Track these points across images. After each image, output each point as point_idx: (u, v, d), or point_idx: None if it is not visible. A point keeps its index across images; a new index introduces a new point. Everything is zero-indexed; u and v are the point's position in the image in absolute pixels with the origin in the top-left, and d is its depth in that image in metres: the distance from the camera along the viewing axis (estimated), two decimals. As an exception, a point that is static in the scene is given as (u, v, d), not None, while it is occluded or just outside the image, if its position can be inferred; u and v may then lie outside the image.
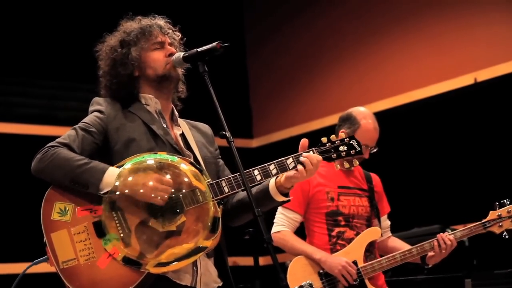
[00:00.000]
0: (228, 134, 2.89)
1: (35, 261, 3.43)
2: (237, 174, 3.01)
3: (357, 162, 3.21)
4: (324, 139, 3.11)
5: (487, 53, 6.37)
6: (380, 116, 4.71)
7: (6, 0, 6.96)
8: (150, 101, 3.19)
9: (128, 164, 2.97)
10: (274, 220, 4.42)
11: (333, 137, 3.13)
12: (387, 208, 4.59)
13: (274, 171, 3.03)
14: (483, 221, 4.24)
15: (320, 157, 3.04)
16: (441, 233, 4.25)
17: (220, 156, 3.32)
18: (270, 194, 3.07)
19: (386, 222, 4.58)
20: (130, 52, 3.16)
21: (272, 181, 3.07)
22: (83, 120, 3.10)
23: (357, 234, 4.33)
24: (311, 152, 3.05)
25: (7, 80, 6.94)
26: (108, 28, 3.31)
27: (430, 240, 4.25)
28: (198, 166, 3.06)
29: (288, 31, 8.10)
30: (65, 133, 3.07)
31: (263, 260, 4.92)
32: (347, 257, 4.22)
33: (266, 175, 3.03)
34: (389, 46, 7.14)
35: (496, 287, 5.11)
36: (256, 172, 3.03)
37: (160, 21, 3.26)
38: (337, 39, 7.60)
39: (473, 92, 6.39)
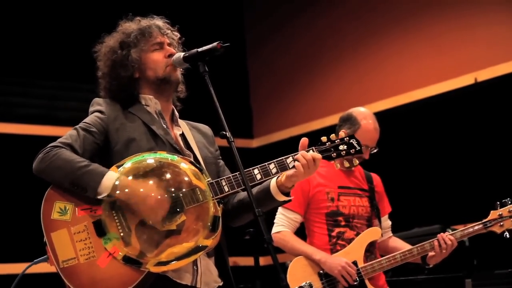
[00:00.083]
0: (228, 134, 2.89)
1: (35, 260, 3.43)
2: (237, 173, 3.01)
3: (357, 162, 3.21)
4: (324, 138, 3.11)
5: (487, 53, 6.37)
6: (380, 116, 4.70)
7: (6, 0, 6.96)
8: (150, 101, 3.19)
9: (128, 163, 2.97)
10: (274, 221, 4.42)
11: (333, 136, 3.13)
12: (388, 208, 4.59)
13: (274, 170, 3.03)
14: (484, 220, 4.24)
15: (319, 156, 3.04)
16: (441, 233, 4.25)
17: (220, 157, 3.32)
18: (271, 193, 3.07)
19: (387, 222, 4.57)
20: (130, 54, 3.16)
21: (273, 181, 3.07)
22: (83, 121, 3.10)
23: (357, 234, 4.33)
24: (310, 151, 3.05)
25: (7, 80, 6.94)
26: (108, 28, 3.31)
27: (430, 240, 4.25)
28: (198, 165, 3.06)
29: (288, 31, 8.10)
30: (66, 133, 3.07)
31: (263, 260, 4.92)
32: (347, 258, 4.22)
33: (266, 174, 3.03)
34: (389, 46, 7.14)
35: (496, 287, 5.10)
36: (256, 171, 3.03)
37: (159, 22, 3.26)
38: (337, 39, 7.60)
39: (473, 92, 6.39)
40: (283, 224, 4.38)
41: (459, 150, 6.45)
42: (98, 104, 3.15)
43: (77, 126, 3.08)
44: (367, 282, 4.23)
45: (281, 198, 3.08)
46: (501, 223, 4.22)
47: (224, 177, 3.05)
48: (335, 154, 3.10)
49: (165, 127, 3.16)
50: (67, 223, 2.94)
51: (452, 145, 6.52)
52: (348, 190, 4.41)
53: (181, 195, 2.93)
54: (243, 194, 3.15)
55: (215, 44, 3.03)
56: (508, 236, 4.21)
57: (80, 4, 7.33)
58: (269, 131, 8.17)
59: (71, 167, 2.93)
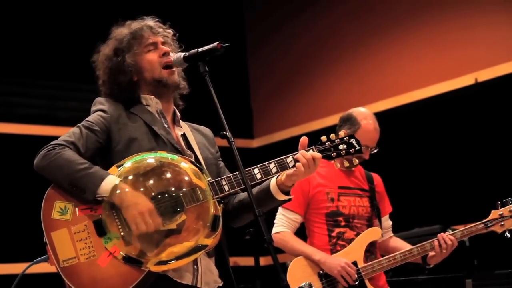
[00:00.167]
0: (228, 134, 2.89)
1: (35, 260, 3.43)
2: (237, 172, 3.01)
3: (357, 161, 3.22)
4: (323, 138, 3.12)
5: (487, 53, 6.37)
6: (380, 116, 4.70)
7: (6, 0, 6.96)
8: (151, 101, 3.20)
9: (129, 163, 2.98)
10: (275, 221, 4.42)
11: (332, 136, 3.14)
12: (389, 208, 4.59)
13: (274, 170, 3.04)
14: (484, 220, 4.23)
15: (319, 155, 3.05)
16: (441, 233, 4.25)
17: (221, 159, 3.33)
18: (272, 193, 3.07)
19: (387, 222, 4.57)
20: (125, 59, 3.17)
21: (273, 180, 3.07)
22: (86, 119, 3.11)
23: (358, 234, 4.33)
24: (310, 150, 3.05)
25: (7, 80, 6.94)
26: (108, 28, 3.31)
27: (430, 240, 4.24)
28: (198, 165, 3.06)
29: (288, 31, 8.10)
30: (68, 131, 3.07)
31: (263, 260, 4.91)
32: (347, 258, 4.22)
33: (266, 173, 3.03)
34: (390, 46, 7.14)
35: (497, 287, 5.10)
36: (256, 170, 3.03)
37: (150, 22, 3.26)
38: (337, 39, 7.60)
39: (473, 92, 6.39)
40: (283, 224, 4.38)
41: (459, 150, 6.45)
42: (101, 104, 3.16)
43: (80, 124, 3.08)
44: (367, 282, 4.23)
45: (281, 197, 3.08)
46: (502, 223, 4.21)
47: (224, 176, 3.06)
48: (335, 153, 3.11)
49: (167, 127, 3.17)
50: (68, 222, 2.94)
51: (452, 145, 6.52)
52: (348, 190, 4.40)
53: (181, 194, 2.94)
54: (243, 195, 3.16)
55: (215, 44, 3.03)
56: (509, 236, 4.21)
57: (80, 4, 7.32)
58: (269, 131, 8.17)
59: (72, 167, 2.93)
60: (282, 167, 3.03)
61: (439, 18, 6.76)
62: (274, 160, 3.04)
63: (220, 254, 3.13)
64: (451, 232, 4.26)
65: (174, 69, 3.18)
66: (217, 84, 3.07)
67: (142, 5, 6.85)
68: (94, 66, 3.27)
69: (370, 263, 4.26)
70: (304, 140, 3.07)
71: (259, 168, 3.03)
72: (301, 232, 4.42)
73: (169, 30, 3.30)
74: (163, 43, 3.23)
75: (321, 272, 4.23)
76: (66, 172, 2.93)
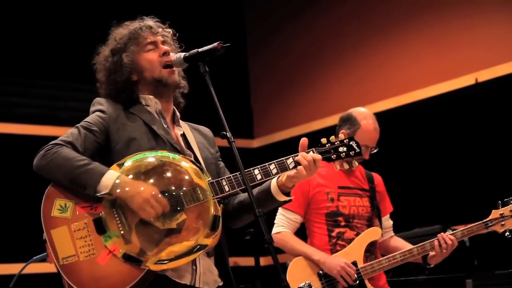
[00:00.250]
0: (229, 134, 2.89)
1: (34, 257, 3.43)
2: (237, 173, 3.01)
3: (357, 164, 3.22)
4: (323, 140, 3.13)
5: (487, 53, 6.37)
6: (381, 116, 4.70)
7: (7, 1, 6.95)
8: (150, 101, 3.20)
9: (129, 162, 2.98)
10: (275, 221, 4.42)
11: (332, 138, 3.15)
12: (390, 208, 4.59)
13: (274, 171, 3.04)
14: (485, 220, 4.23)
15: (319, 156, 3.05)
16: (441, 233, 4.24)
17: (220, 159, 3.33)
18: (272, 193, 3.07)
19: (388, 221, 4.57)
20: (122, 59, 3.17)
21: (273, 181, 3.08)
22: (85, 119, 3.11)
23: (358, 234, 4.33)
24: (310, 152, 3.06)
25: (7, 81, 6.94)
26: (108, 29, 3.32)
27: (431, 240, 4.24)
28: (198, 164, 3.06)
29: (289, 31, 8.10)
30: (67, 132, 3.08)
31: (264, 261, 4.92)
32: (347, 258, 4.22)
33: (267, 174, 3.03)
34: (390, 46, 7.14)
35: (497, 287, 5.10)
36: (256, 171, 3.03)
37: (149, 22, 3.27)
38: (337, 39, 7.60)
39: (474, 92, 6.39)
40: (283, 224, 4.38)
41: (459, 150, 6.45)
42: (100, 104, 3.16)
43: (78, 125, 3.09)
44: (366, 282, 4.23)
45: (282, 198, 3.09)
46: (503, 223, 4.21)
47: (225, 177, 3.06)
48: (335, 155, 3.12)
49: (166, 127, 3.17)
50: (67, 220, 2.94)
51: (452, 146, 6.52)
52: (348, 190, 4.40)
53: (181, 193, 2.94)
54: (243, 195, 3.17)
55: (215, 44, 3.03)
56: (509, 235, 4.20)
57: (80, 4, 7.32)
58: (269, 131, 8.17)
59: (71, 165, 2.94)
60: (282, 168, 3.04)
61: (440, 18, 6.76)
62: (275, 161, 3.05)
63: (219, 253, 3.13)
64: (451, 232, 4.26)
65: (174, 68, 3.18)
66: (218, 84, 3.07)
67: (142, 5, 6.85)
68: (94, 69, 3.28)
69: (370, 263, 4.26)
70: (304, 141, 3.07)
71: (260, 169, 3.04)
72: (302, 232, 4.42)
73: (168, 30, 3.30)
74: (163, 43, 3.23)
75: (320, 272, 4.23)
76: (65, 170, 2.93)
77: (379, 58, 7.22)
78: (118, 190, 2.91)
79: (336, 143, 3.13)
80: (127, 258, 2.89)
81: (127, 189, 2.91)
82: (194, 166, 3.03)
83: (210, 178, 3.04)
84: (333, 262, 4.19)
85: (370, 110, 4.58)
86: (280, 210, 4.39)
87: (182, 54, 3.12)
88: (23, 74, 7.02)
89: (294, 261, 4.28)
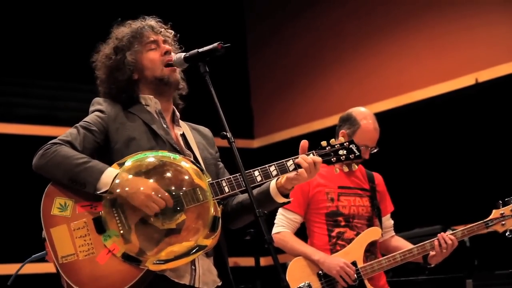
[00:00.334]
0: (229, 134, 2.89)
1: (33, 256, 3.43)
2: (237, 174, 3.02)
3: (356, 166, 3.22)
4: (323, 143, 3.13)
5: (488, 53, 6.37)
6: (381, 116, 4.70)
7: (7, 1, 6.96)
8: (150, 101, 3.20)
9: (129, 162, 2.98)
10: (275, 221, 4.42)
11: (332, 141, 3.15)
12: (390, 208, 4.58)
13: (274, 173, 3.04)
14: (485, 219, 4.22)
15: (320, 159, 3.06)
16: (442, 233, 4.24)
17: (220, 159, 3.33)
18: (271, 195, 3.08)
19: (389, 221, 4.57)
20: (126, 57, 3.17)
21: (273, 182, 3.08)
22: (84, 119, 3.11)
23: (358, 234, 4.33)
24: (311, 154, 3.06)
25: (7, 81, 6.94)
26: (108, 28, 3.32)
27: (431, 240, 4.24)
28: (198, 165, 3.07)
29: (289, 31, 8.10)
30: (66, 131, 3.08)
31: (264, 261, 4.91)
32: (347, 258, 4.22)
33: (267, 176, 3.04)
34: (390, 47, 7.14)
35: (497, 287, 5.10)
36: (256, 173, 3.04)
37: (151, 21, 3.27)
38: (338, 40, 7.60)
39: (474, 92, 6.39)
40: (283, 224, 4.38)
41: (460, 150, 6.45)
42: (99, 104, 3.16)
43: (77, 125, 3.09)
44: (366, 282, 4.22)
45: (281, 199, 3.09)
46: (503, 222, 4.20)
47: (225, 178, 3.06)
48: (334, 158, 3.13)
49: (165, 127, 3.17)
50: (67, 219, 2.94)
51: (453, 146, 6.52)
52: (348, 190, 4.40)
53: (181, 194, 2.94)
54: (242, 196, 3.17)
55: (215, 44, 3.03)
56: (510, 235, 4.20)
57: (80, 4, 7.32)
58: (270, 131, 8.17)
59: (70, 163, 2.94)
60: (282, 170, 3.04)
61: (440, 18, 6.76)
62: (275, 163, 3.05)
63: (219, 254, 3.13)
64: (451, 232, 4.26)
65: (175, 67, 3.18)
66: (218, 85, 3.07)
67: (142, 5, 6.85)
68: (94, 66, 3.27)
69: (369, 263, 4.25)
70: (304, 143, 3.07)
71: (260, 170, 3.04)
72: (302, 232, 4.42)
73: (170, 31, 3.30)
74: (164, 42, 3.23)
75: (320, 272, 4.23)
76: (65, 168, 2.93)
77: (379, 58, 7.22)
78: (118, 190, 2.91)
79: (336, 146, 3.14)
80: (126, 257, 2.89)
81: (127, 188, 2.91)
82: (195, 167, 3.03)
83: (210, 179, 3.04)
84: (333, 262, 4.19)
85: (370, 110, 4.57)
86: (280, 210, 4.39)
87: (182, 55, 3.13)
88: (23, 74, 7.02)
89: (293, 261, 4.28)
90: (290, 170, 3.04)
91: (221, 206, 3.04)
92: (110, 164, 2.99)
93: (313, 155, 3.07)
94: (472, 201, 6.11)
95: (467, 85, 6.43)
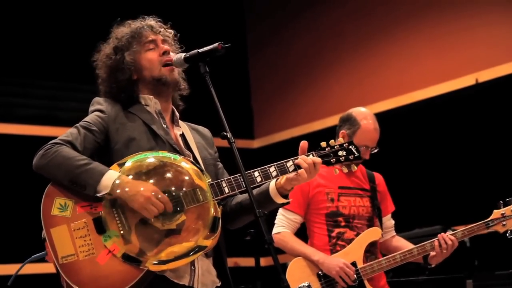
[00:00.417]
0: (229, 134, 2.89)
1: (33, 256, 3.43)
2: (237, 175, 3.02)
3: (355, 167, 3.22)
4: (323, 144, 3.14)
5: (488, 54, 6.37)
6: (381, 116, 4.70)
7: (7, 0, 6.96)
8: (150, 101, 3.20)
9: (130, 162, 2.98)
10: (275, 221, 4.42)
11: (332, 142, 3.15)
12: (391, 208, 4.58)
13: (274, 173, 3.05)
14: (486, 220, 4.22)
15: (320, 160, 3.06)
16: (442, 233, 4.24)
17: (219, 160, 3.33)
18: (270, 195, 3.08)
19: (390, 221, 4.57)
20: (125, 57, 3.18)
21: (272, 183, 3.08)
22: (84, 119, 3.11)
23: (358, 234, 4.32)
24: (310, 155, 3.06)
25: (7, 81, 6.94)
26: (108, 28, 3.32)
27: (431, 240, 4.23)
28: (198, 165, 3.07)
29: (289, 32, 8.10)
30: (67, 131, 3.08)
31: (264, 261, 4.92)
32: (346, 258, 4.22)
33: (266, 177, 3.04)
34: (390, 47, 7.14)
35: (497, 288, 5.10)
36: (256, 173, 3.04)
37: (151, 21, 3.27)
38: (338, 40, 7.60)
39: (474, 93, 6.39)
40: (283, 225, 4.38)
41: (460, 150, 6.45)
42: (99, 103, 3.16)
43: (77, 125, 3.08)
44: (366, 283, 4.22)
45: (280, 200, 3.10)
46: (504, 223, 4.19)
47: (225, 178, 3.06)
48: (334, 159, 3.13)
49: (165, 127, 3.17)
50: (67, 219, 2.94)
51: (453, 146, 6.51)
52: (348, 191, 4.40)
53: (181, 194, 2.94)
54: (241, 197, 3.17)
55: (216, 44, 3.03)
56: (511, 236, 4.19)
57: (80, 4, 7.32)
58: (270, 131, 8.17)
59: (71, 164, 2.93)
60: (282, 171, 3.04)
61: (440, 19, 6.76)
62: (274, 164, 3.05)
63: (218, 254, 3.13)
64: (451, 232, 4.25)
65: (173, 67, 3.18)
66: (218, 85, 3.07)
67: (142, 5, 6.85)
68: (95, 66, 3.27)
69: (369, 263, 4.25)
70: (304, 144, 3.08)
71: (259, 171, 3.04)
72: (303, 233, 4.42)
73: (170, 30, 3.30)
74: (163, 42, 3.23)
75: (320, 272, 4.22)
76: (65, 169, 2.93)
77: (379, 59, 7.22)
78: (118, 191, 2.91)
79: (335, 147, 3.14)
80: (126, 258, 2.89)
81: (127, 189, 2.91)
82: (195, 167, 3.03)
83: (210, 179, 3.04)
84: (332, 262, 4.19)
85: (370, 111, 4.57)
86: (280, 210, 4.39)
87: (183, 55, 3.12)
88: (23, 75, 7.02)
89: (293, 261, 4.28)
90: (290, 171, 3.04)
91: (221, 206, 3.04)
92: (110, 164, 2.99)
93: (313, 156, 3.07)
94: (472, 201, 6.11)
95: (467, 85, 6.43)
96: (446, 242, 4.19)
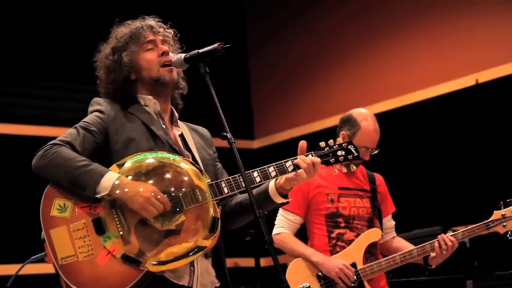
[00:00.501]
0: (229, 135, 2.89)
1: (33, 257, 3.44)
2: (236, 175, 3.02)
3: (354, 167, 3.22)
4: (322, 144, 3.14)
5: (488, 54, 6.37)
6: (381, 117, 4.70)
7: (7, 1, 6.96)
8: (149, 102, 3.20)
9: (129, 163, 2.97)
10: (275, 222, 4.42)
11: (331, 141, 3.16)
12: (392, 209, 4.58)
13: (273, 174, 3.05)
14: (486, 221, 4.21)
15: (319, 160, 3.06)
16: (442, 234, 4.24)
17: (218, 160, 3.33)
18: (270, 195, 3.08)
19: (390, 222, 4.57)
20: (122, 57, 3.18)
21: (271, 183, 3.08)
22: (83, 120, 3.10)
23: (358, 235, 4.32)
24: (309, 155, 3.06)
25: (8, 81, 6.94)
26: (108, 29, 3.32)
27: (431, 241, 4.23)
28: (197, 166, 3.06)
29: (289, 32, 8.10)
30: (65, 132, 3.07)
31: (264, 262, 4.91)
32: (346, 259, 4.21)
33: (266, 177, 3.04)
34: (390, 48, 7.14)
35: (497, 288, 5.10)
36: (255, 174, 3.04)
37: (151, 21, 3.26)
38: (338, 40, 7.60)
39: (474, 93, 6.38)
40: (283, 225, 4.38)
41: (460, 151, 6.45)
42: (98, 104, 3.16)
43: (76, 125, 3.08)
44: (366, 283, 4.22)
45: (279, 200, 3.10)
46: (504, 224, 4.19)
47: (224, 179, 3.06)
48: (333, 159, 3.13)
49: (164, 127, 3.16)
50: (67, 220, 2.93)
51: (453, 146, 6.51)
52: (348, 191, 4.40)
53: (181, 195, 2.94)
54: (241, 197, 3.17)
55: (216, 45, 3.03)
56: (511, 237, 4.19)
57: (80, 5, 7.32)
58: (270, 132, 8.16)
59: (70, 165, 2.93)
60: (281, 171, 3.04)
61: (440, 19, 6.76)
62: (273, 164, 3.05)
63: (217, 254, 3.14)
64: (452, 233, 4.25)
65: (172, 67, 3.18)
66: (218, 85, 3.07)
67: (143, 5, 6.85)
68: (95, 66, 3.28)
69: (369, 264, 4.25)
70: (303, 144, 3.08)
71: (259, 171, 3.04)
72: (303, 234, 4.42)
73: (170, 30, 3.30)
74: (163, 42, 3.23)
75: (319, 273, 4.22)
76: (65, 170, 2.93)
77: (379, 59, 7.22)
78: (117, 191, 2.91)
79: (334, 146, 3.14)
80: (126, 258, 2.89)
81: (126, 190, 2.91)
82: (194, 168, 3.03)
83: (209, 180, 3.04)
84: (332, 263, 4.18)
85: (370, 111, 4.57)
86: (280, 211, 4.39)
87: (183, 55, 3.12)
88: (24, 75, 7.02)
89: (293, 262, 4.28)
90: (289, 171, 3.04)
91: (220, 206, 3.04)
92: (109, 165, 2.99)
93: (312, 156, 3.07)
94: (472, 202, 6.11)
95: (467, 85, 6.43)
96: (446, 243, 4.19)
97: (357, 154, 3.15)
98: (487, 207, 4.26)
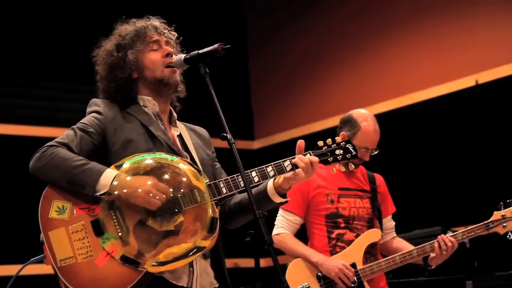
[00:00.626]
0: (229, 135, 2.89)
1: (31, 259, 3.43)
2: (235, 175, 3.02)
3: (353, 166, 3.22)
4: (320, 143, 3.14)
5: (488, 55, 6.37)
6: (381, 118, 4.70)
7: (7, 1, 6.96)
8: (148, 102, 3.19)
9: (127, 164, 2.97)
10: (275, 223, 4.42)
11: (329, 140, 3.16)
12: (392, 209, 4.58)
13: (271, 173, 3.05)
14: (486, 221, 4.21)
15: (317, 159, 3.06)
16: (442, 235, 4.24)
17: (216, 160, 3.33)
18: (268, 195, 3.08)
19: (390, 222, 4.57)
20: (127, 55, 3.17)
21: (270, 183, 3.08)
22: (81, 121, 3.10)
23: (357, 236, 4.32)
24: (308, 154, 3.06)
25: (8, 82, 6.94)
26: (109, 30, 3.31)
27: (431, 242, 4.23)
28: (196, 166, 3.06)
29: (289, 33, 8.10)
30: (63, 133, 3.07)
31: (264, 262, 4.91)
32: (346, 260, 4.21)
33: (264, 176, 3.04)
34: (391, 48, 7.14)
35: (497, 289, 5.10)
36: (254, 173, 3.04)
37: (155, 22, 3.26)
38: (338, 41, 7.60)
39: (474, 94, 6.38)
40: (283, 226, 4.38)
41: (460, 151, 6.45)
42: (96, 105, 3.15)
43: (74, 126, 3.08)
44: (366, 284, 4.22)
45: (278, 199, 3.09)
46: (504, 224, 4.19)
47: (222, 179, 3.06)
48: (331, 158, 3.13)
49: (163, 128, 3.16)
50: (65, 222, 2.93)
51: (453, 147, 6.51)
52: (348, 192, 4.40)
53: (179, 195, 2.94)
54: (239, 197, 3.17)
55: (216, 46, 3.03)
56: (511, 237, 4.18)
57: (80, 5, 7.32)
58: (270, 132, 8.17)
59: (68, 165, 2.93)
60: (280, 170, 3.04)
61: (440, 20, 6.76)
62: (272, 163, 3.05)
63: (216, 255, 3.13)
64: (451, 234, 4.25)
65: (176, 68, 3.18)
66: (218, 86, 3.07)
67: (143, 6, 6.85)
68: (94, 61, 3.26)
69: (369, 265, 4.25)
70: (301, 143, 3.08)
71: (257, 171, 3.04)
72: (303, 234, 4.42)
73: (173, 33, 3.30)
74: (167, 43, 3.23)
75: (319, 274, 4.22)
76: (63, 171, 2.93)
77: (379, 60, 7.22)
78: (116, 192, 2.91)
79: (332, 145, 3.14)
80: (125, 260, 2.89)
81: (125, 190, 2.90)
82: (192, 168, 3.03)
83: (208, 180, 3.04)
84: (331, 264, 4.18)
85: (370, 112, 4.57)
86: (280, 211, 4.39)
87: (182, 56, 3.12)
88: (24, 75, 7.02)
89: (293, 262, 4.28)
90: (287, 170, 3.04)
91: (219, 207, 3.04)
92: (107, 165, 2.98)
93: (310, 155, 3.07)
94: (472, 202, 6.11)
95: (468, 86, 6.43)
96: (446, 243, 4.19)
97: (355, 153, 3.15)
98: (487, 208, 4.26)
